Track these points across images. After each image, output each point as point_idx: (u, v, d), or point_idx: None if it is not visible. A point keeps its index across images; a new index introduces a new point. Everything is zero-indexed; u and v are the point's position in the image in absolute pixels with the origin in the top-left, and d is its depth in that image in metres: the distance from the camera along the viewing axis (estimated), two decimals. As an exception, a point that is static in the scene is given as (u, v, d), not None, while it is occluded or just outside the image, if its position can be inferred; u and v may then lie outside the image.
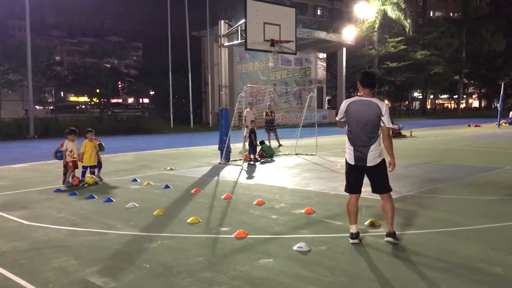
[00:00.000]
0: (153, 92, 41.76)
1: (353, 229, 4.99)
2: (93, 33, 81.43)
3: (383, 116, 4.76)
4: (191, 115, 32.67)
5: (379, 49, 43.44)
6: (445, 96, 68.97)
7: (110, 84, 36.25)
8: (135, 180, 9.59)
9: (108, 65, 43.74)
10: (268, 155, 13.40)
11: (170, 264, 4.42)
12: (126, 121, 33.83)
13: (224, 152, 12.39)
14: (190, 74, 32.41)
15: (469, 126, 28.72)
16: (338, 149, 15.07)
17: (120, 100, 52.81)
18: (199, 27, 35.29)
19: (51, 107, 47.26)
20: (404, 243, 4.90)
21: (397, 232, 4.97)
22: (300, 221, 6.03)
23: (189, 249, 4.89)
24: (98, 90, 36.07)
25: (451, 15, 66.44)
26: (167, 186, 8.71)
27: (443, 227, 5.51)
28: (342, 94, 39.03)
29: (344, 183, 5.17)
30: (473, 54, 55.95)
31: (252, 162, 12.42)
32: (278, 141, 17.33)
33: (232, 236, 5.32)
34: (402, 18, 40.45)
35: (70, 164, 9.11)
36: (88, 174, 9.32)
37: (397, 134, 19.70)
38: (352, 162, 4.93)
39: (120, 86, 40.82)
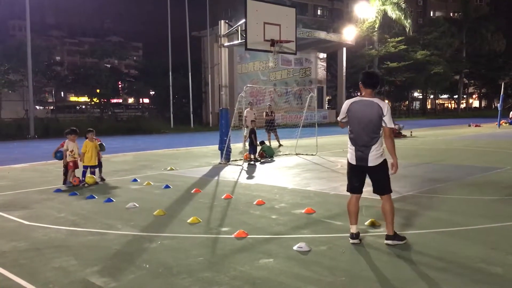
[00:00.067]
0: (153, 92, 41.77)
1: (354, 229, 4.99)
2: (93, 33, 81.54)
3: (384, 116, 4.76)
4: (191, 115, 32.69)
5: (379, 49, 43.44)
6: (445, 96, 68.97)
7: (110, 84, 36.26)
8: (135, 180, 9.59)
9: (108, 65, 43.75)
10: (268, 155, 13.39)
11: (170, 264, 4.42)
12: (126, 121, 33.84)
13: (224, 152, 12.39)
14: (190, 74, 32.42)
15: (469, 126, 28.72)
16: (338, 149, 15.07)
17: (120, 100, 52.79)
18: (199, 27, 35.32)
19: (51, 107, 47.26)
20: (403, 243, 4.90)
21: (397, 232, 4.96)
22: (300, 221, 6.03)
23: (189, 249, 4.89)
24: (98, 90, 36.07)
25: (451, 15, 66.41)
26: (167, 186, 8.71)
27: (443, 227, 5.51)
28: (342, 94, 39.04)
29: (344, 183, 5.17)
30: (473, 54, 55.97)
31: (252, 162, 12.42)
32: (278, 141, 17.33)
33: (232, 236, 5.32)
34: (402, 18, 40.44)
35: (71, 164, 9.12)
36: (88, 174, 9.32)
37: (397, 134, 19.69)
38: (353, 162, 4.93)
39: (120, 86, 40.82)
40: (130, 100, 59.83)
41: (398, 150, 4.95)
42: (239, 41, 11.94)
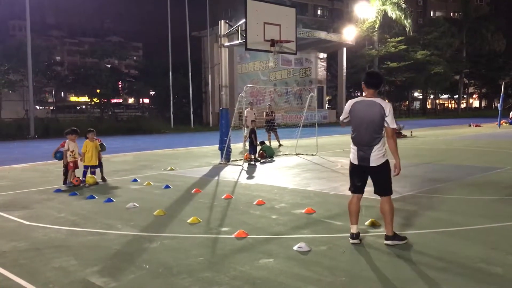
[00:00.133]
0: (153, 92, 41.76)
1: (354, 229, 4.99)
2: (93, 33, 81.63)
3: (386, 116, 4.76)
4: (192, 115, 32.69)
5: (380, 49, 43.43)
6: (445, 96, 68.99)
7: (111, 84, 36.25)
8: (135, 180, 9.59)
9: (109, 65, 43.70)
10: (268, 154, 13.39)
11: (170, 264, 4.42)
12: (127, 121, 33.84)
13: (224, 152, 12.39)
14: (190, 74, 32.42)
15: (470, 126, 28.73)
16: (338, 149, 15.06)
17: (121, 100, 52.75)
18: (199, 27, 35.33)
19: (52, 107, 47.22)
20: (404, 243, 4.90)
21: (397, 232, 4.96)
22: (301, 221, 6.03)
23: (189, 249, 4.89)
24: (98, 90, 36.07)
25: (451, 15, 66.43)
26: (167, 186, 8.71)
27: (443, 227, 5.51)
28: (343, 94, 39.05)
29: (344, 183, 5.17)
30: (474, 54, 55.99)
31: (252, 162, 12.42)
32: (279, 141, 17.33)
33: (232, 236, 5.32)
34: (403, 18, 40.44)
35: (71, 164, 9.12)
36: (88, 174, 9.33)
37: (398, 134, 19.68)
38: (355, 162, 4.93)
39: (120, 86, 40.81)
40: (130, 100, 59.81)
41: (399, 150, 4.94)
42: (239, 41, 11.94)
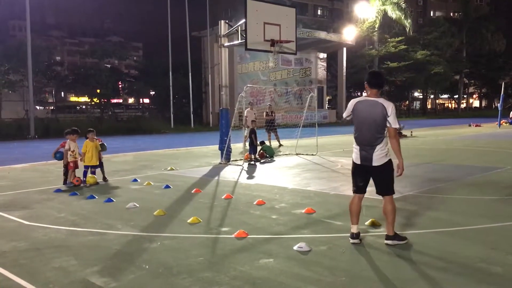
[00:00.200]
0: (154, 92, 41.77)
1: (354, 229, 4.99)
2: (93, 33, 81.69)
3: (389, 116, 4.77)
4: (192, 115, 32.69)
5: (380, 49, 43.44)
6: (445, 96, 69.01)
7: (111, 84, 36.25)
8: (135, 180, 9.59)
9: (109, 65, 43.72)
10: (269, 154, 13.40)
11: (170, 264, 4.42)
12: (127, 121, 33.86)
13: (224, 152, 12.40)
14: (190, 74, 32.43)
15: (470, 126, 28.73)
16: (338, 149, 15.05)
17: (121, 100, 52.78)
18: (199, 27, 35.32)
19: (52, 107, 47.23)
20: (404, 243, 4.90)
21: (397, 232, 4.96)
22: (301, 221, 6.03)
23: (189, 249, 4.89)
24: (98, 90, 36.06)
25: (451, 15, 66.42)
26: (167, 186, 8.71)
27: (443, 227, 5.51)
28: (343, 94, 39.06)
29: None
30: (474, 54, 55.99)
31: (252, 162, 12.42)
32: (279, 141, 17.33)
33: (233, 236, 5.32)
34: (403, 18, 40.44)
35: (71, 164, 9.12)
36: (89, 174, 9.33)
37: (398, 134, 19.68)
38: (358, 161, 4.92)
39: (120, 86, 40.80)
40: (130, 100, 59.84)
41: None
42: (239, 41, 11.94)
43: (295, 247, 4.80)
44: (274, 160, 12.96)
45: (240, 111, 15.11)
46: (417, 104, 66.99)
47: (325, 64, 40.29)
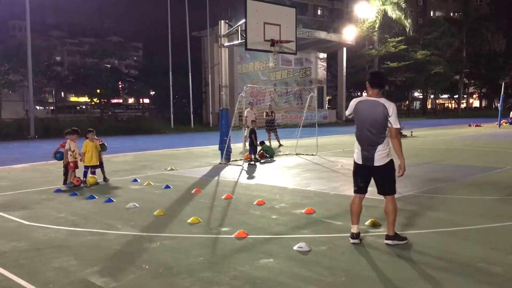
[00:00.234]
0: (154, 92, 41.77)
1: (354, 229, 4.98)
2: (93, 33, 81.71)
3: (390, 116, 4.77)
4: (192, 115, 32.68)
5: (380, 49, 43.43)
6: (445, 96, 69.00)
7: (111, 84, 36.23)
8: (135, 180, 9.59)
9: (109, 65, 43.70)
10: (269, 154, 13.40)
11: (170, 264, 4.42)
12: (127, 121, 33.84)
13: (224, 152, 12.40)
14: (190, 74, 32.42)
15: (470, 126, 28.72)
16: (338, 149, 15.05)
17: (121, 100, 52.75)
18: (199, 27, 35.32)
19: (52, 108, 47.20)
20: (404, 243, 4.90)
21: (398, 232, 4.96)
22: (301, 221, 6.03)
23: (189, 249, 4.89)
24: (98, 90, 36.04)
25: (451, 15, 66.43)
26: (167, 186, 8.71)
27: (443, 227, 5.51)
28: (343, 94, 39.05)
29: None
30: (474, 54, 55.99)
31: (252, 162, 12.42)
32: (279, 141, 17.33)
33: (233, 236, 5.32)
34: (403, 18, 40.44)
35: (71, 164, 9.12)
36: (89, 174, 9.32)
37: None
38: (359, 161, 4.92)
39: (120, 86, 40.79)
40: (130, 100, 59.83)
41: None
42: (239, 41, 11.94)
43: (295, 247, 4.80)
44: (274, 160, 12.96)
45: (240, 111, 15.11)
46: (417, 104, 67.00)
47: (325, 64, 40.29)
